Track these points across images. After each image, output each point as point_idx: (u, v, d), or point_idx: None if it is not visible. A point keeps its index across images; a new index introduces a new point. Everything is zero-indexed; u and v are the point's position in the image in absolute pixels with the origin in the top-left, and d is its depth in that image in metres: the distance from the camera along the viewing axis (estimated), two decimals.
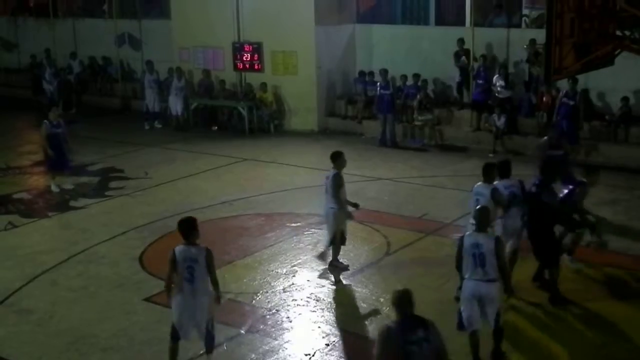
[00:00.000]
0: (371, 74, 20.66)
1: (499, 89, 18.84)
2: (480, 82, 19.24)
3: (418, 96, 19.58)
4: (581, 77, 16.48)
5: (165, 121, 22.41)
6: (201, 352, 8.76)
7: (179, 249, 8.30)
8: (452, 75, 20.29)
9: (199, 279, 8.25)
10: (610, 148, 17.23)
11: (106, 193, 16.02)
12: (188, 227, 8.42)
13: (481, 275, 8.47)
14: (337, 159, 11.27)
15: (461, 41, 19.48)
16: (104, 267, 12.00)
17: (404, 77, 19.99)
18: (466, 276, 8.60)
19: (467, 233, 8.81)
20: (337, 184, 11.09)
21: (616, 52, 12.74)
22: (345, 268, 11.54)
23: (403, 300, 6.61)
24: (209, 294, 8.41)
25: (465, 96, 20.10)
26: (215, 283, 8.43)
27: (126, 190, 16.13)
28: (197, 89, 22.45)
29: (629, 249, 12.05)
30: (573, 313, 10.00)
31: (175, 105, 21.99)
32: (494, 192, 10.13)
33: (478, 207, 9.14)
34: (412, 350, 6.39)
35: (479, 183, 10.38)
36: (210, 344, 8.59)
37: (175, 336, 8.47)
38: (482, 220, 8.73)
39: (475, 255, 8.47)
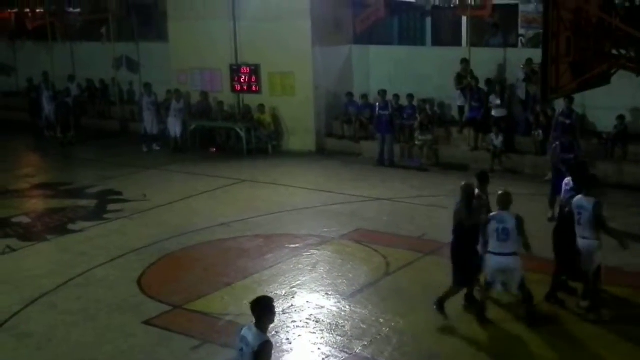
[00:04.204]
0: (364, 95, 20.78)
1: (494, 107, 18.93)
2: (475, 104, 19.34)
3: (419, 116, 19.63)
4: (577, 96, 16.53)
5: (163, 143, 22.45)
6: None
7: (245, 326, 6.99)
8: (450, 95, 20.31)
9: None
10: (607, 166, 17.26)
11: (104, 216, 16.00)
12: (257, 308, 6.88)
13: (502, 249, 9.84)
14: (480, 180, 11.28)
15: (465, 62, 19.44)
16: (102, 290, 11.96)
17: (397, 97, 20.05)
18: (489, 249, 9.98)
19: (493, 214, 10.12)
20: None
21: (612, 71, 12.79)
22: None
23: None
24: None
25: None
26: None
27: (125, 212, 16.11)
28: (195, 111, 22.51)
29: (627, 265, 12.02)
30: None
31: (174, 127, 22.03)
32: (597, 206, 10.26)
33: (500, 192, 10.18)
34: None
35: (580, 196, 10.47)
36: None
37: None
38: (506, 201, 10.01)
39: (498, 231, 9.83)
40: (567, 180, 11.57)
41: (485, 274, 10.20)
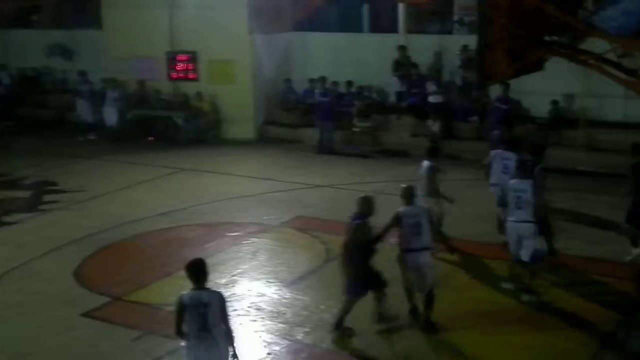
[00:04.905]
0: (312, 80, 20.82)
1: (431, 94, 19.14)
2: (415, 90, 19.53)
3: (357, 103, 19.75)
4: (513, 82, 16.81)
5: (100, 132, 22.12)
6: None
7: (186, 295, 7.46)
8: (390, 81, 20.44)
9: (213, 327, 7.38)
10: None
11: (41, 207, 15.72)
12: (195, 270, 7.56)
13: (418, 244, 9.62)
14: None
15: (402, 49, 19.60)
16: (40, 283, 11.76)
17: (335, 84, 20.12)
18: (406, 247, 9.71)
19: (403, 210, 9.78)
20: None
21: (546, 57, 13.04)
22: None
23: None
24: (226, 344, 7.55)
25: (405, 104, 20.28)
26: (229, 332, 7.58)
27: (61, 203, 15.85)
28: (132, 100, 22.19)
29: (568, 248, 12.33)
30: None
31: (110, 116, 21.72)
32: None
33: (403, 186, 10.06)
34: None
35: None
36: None
37: None
38: (410, 195, 9.95)
39: (413, 226, 9.62)
40: (510, 155, 12.01)
41: (406, 276, 9.86)
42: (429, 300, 9.82)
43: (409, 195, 9.93)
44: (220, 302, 7.43)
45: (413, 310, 10.03)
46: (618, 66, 12.24)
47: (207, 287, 7.52)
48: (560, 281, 11.26)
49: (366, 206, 9.58)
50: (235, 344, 7.59)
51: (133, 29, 21.77)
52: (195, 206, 15.28)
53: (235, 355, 7.57)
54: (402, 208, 9.81)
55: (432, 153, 12.26)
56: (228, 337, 7.52)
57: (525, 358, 9.20)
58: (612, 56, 12.28)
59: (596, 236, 13.02)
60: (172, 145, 20.86)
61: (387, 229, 9.73)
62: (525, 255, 10.51)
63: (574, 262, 11.98)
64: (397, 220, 9.69)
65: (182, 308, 7.37)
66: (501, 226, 11.84)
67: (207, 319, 7.30)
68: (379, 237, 9.65)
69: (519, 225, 10.53)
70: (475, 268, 11.83)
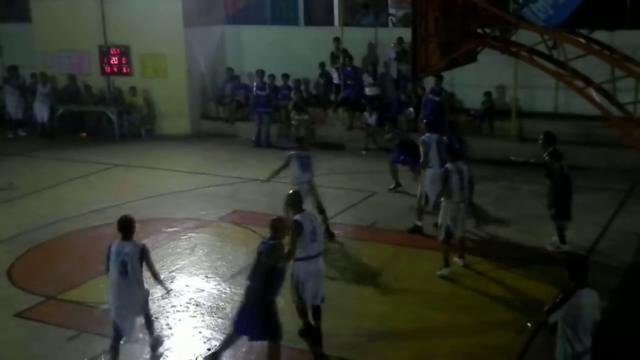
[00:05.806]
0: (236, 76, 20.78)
1: (367, 86, 19.24)
2: (350, 82, 19.59)
3: (293, 96, 19.72)
4: (447, 74, 17.00)
5: (30, 129, 21.62)
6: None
7: (113, 246, 8.69)
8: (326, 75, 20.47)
9: (131, 274, 8.60)
10: (475, 141, 17.73)
11: None
12: (126, 225, 8.79)
13: (316, 250, 9.20)
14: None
15: (337, 41, 19.64)
16: None
17: (272, 77, 20.07)
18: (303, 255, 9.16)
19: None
20: None
21: (478, 50, 13.22)
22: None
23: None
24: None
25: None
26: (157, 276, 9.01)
27: None
28: (63, 95, 21.74)
29: (499, 237, 12.63)
30: None
31: (41, 111, 21.27)
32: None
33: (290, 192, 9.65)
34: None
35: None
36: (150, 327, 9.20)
37: (117, 334, 8.74)
38: (296, 202, 9.40)
39: (311, 231, 9.07)
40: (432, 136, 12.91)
41: (297, 285, 9.19)
42: (319, 310, 9.30)
43: (299, 202, 9.34)
44: (140, 253, 8.64)
45: (307, 328, 9.38)
46: (549, 58, 12.48)
47: (133, 240, 8.72)
48: (493, 270, 11.44)
49: (280, 227, 8.59)
50: (165, 284, 9.31)
51: (63, 22, 21.36)
52: (129, 202, 15.04)
53: (166, 289, 9.38)
54: (298, 216, 9.08)
55: (302, 143, 13.40)
56: (157, 280, 8.97)
57: (461, 347, 9.31)
58: (543, 48, 12.50)
59: (527, 224, 13.25)
60: (105, 141, 20.54)
61: (294, 242, 8.89)
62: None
63: (506, 250, 12.20)
64: (300, 229, 8.93)
65: (109, 253, 8.63)
66: (421, 210, 12.82)
67: (126, 266, 8.53)
68: (291, 253, 8.84)
69: (464, 205, 11.16)
70: (411, 258, 11.95)
